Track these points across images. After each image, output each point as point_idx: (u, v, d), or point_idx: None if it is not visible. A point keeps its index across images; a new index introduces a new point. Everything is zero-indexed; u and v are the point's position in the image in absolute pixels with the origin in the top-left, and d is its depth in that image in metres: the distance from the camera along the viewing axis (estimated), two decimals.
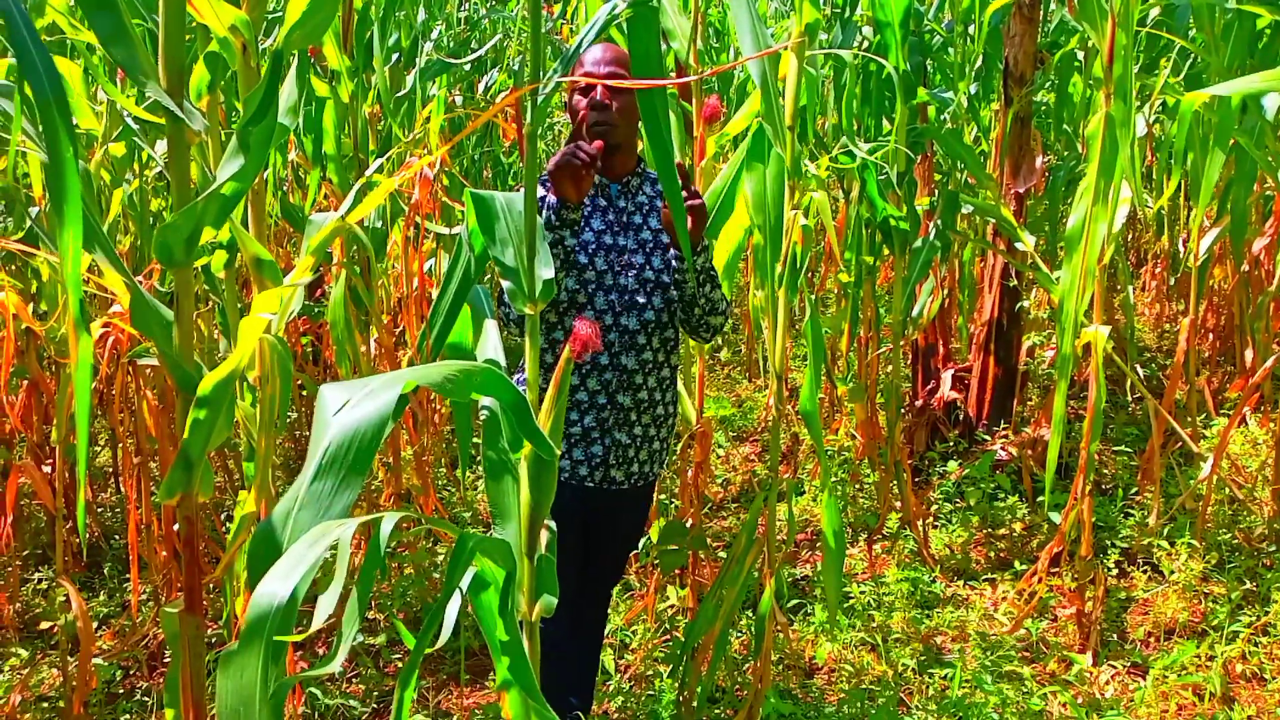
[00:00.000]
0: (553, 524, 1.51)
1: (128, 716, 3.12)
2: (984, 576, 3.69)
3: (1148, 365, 5.74)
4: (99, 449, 4.85)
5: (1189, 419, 4.35)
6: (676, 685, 2.83)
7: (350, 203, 1.91)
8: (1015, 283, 4.53)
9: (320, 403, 1.15)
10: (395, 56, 4.19)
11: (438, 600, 1.24)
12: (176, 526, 2.20)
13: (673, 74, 3.10)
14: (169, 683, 1.90)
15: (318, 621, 1.00)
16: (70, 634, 3.21)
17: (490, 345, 1.63)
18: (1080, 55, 4.80)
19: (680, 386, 2.64)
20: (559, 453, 1.49)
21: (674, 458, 3.15)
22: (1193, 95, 2.44)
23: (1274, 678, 2.85)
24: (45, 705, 3.13)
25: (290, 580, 0.98)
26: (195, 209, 1.50)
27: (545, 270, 1.49)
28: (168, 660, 3.41)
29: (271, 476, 2.06)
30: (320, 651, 3.35)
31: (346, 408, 1.13)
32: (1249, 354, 4.45)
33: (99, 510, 4.42)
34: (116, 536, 4.28)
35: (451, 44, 4.66)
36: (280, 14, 2.40)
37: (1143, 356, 5.93)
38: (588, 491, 2.36)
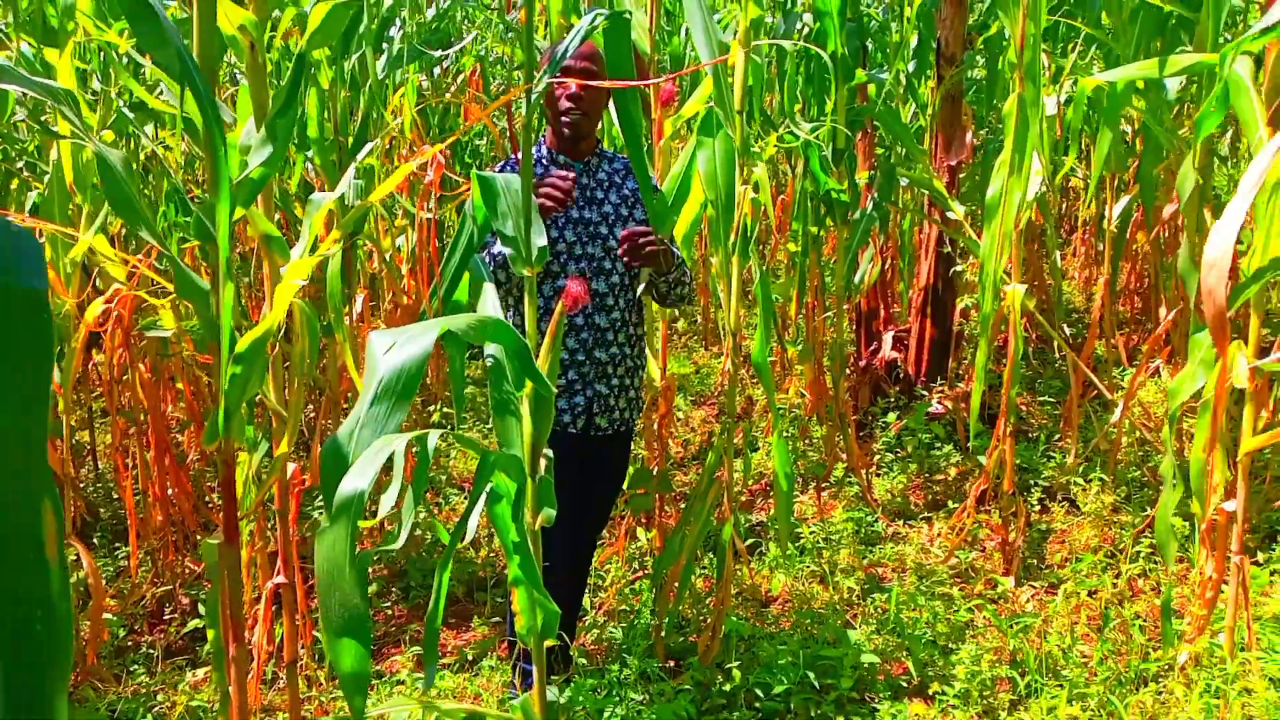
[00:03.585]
0: (549, 452, 1.82)
1: (137, 666, 3.35)
2: (921, 516, 4.07)
3: (1075, 325, 6.16)
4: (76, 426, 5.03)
5: (1109, 373, 4.76)
6: (646, 615, 3.16)
7: (345, 184, 2.18)
8: (949, 250, 4.89)
9: (370, 346, 1.43)
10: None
11: (463, 512, 1.54)
12: (188, 476, 2.42)
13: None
14: (209, 606, 2.16)
15: (383, 511, 1.30)
16: (81, 590, 3.44)
17: (489, 304, 1.91)
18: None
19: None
20: (554, 391, 1.79)
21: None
22: (1085, 80, 2.79)
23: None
24: None
25: (364, 477, 1.27)
26: (215, 186, 1.76)
27: (539, 238, 1.79)
28: (167, 619, 3.66)
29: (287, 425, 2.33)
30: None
31: (393, 349, 1.41)
32: (1163, 311, 4.87)
33: (80, 486, 4.61)
34: (101, 509, 4.50)
35: (416, 28, 4.89)
36: (279, 15, 2.64)
37: (1070, 317, 6.36)
38: (573, 438, 2.67)
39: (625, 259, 2.56)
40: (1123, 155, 3.85)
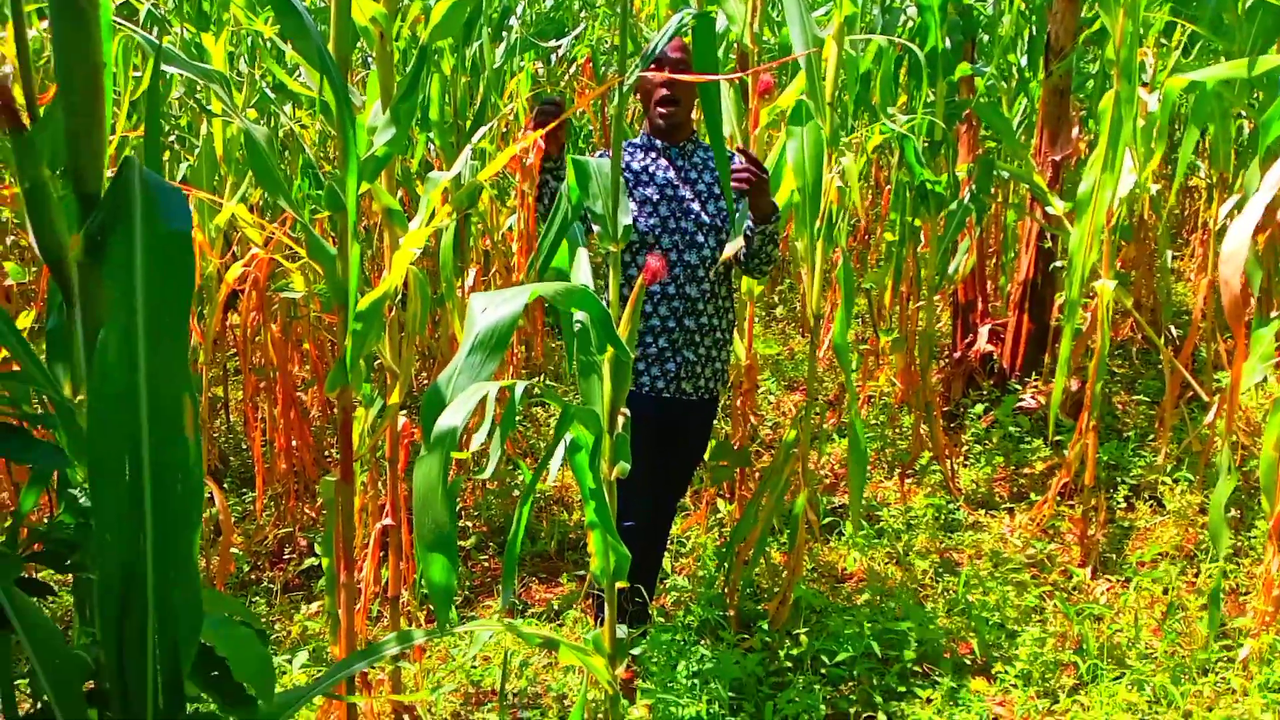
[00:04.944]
0: (627, 410, 2.01)
1: (258, 599, 3.68)
2: (1004, 507, 4.12)
3: (1183, 326, 6.03)
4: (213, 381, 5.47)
5: (1210, 375, 4.69)
6: (723, 579, 3.33)
7: (461, 163, 2.40)
8: (1050, 244, 4.89)
9: (471, 305, 1.64)
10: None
11: (547, 450, 1.75)
12: (310, 430, 2.67)
13: (733, 55, 3.53)
14: (326, 538, 2.42)
15: (474, 445, 1.50)
16: (212, 525, 3.80)
17: (583, 271, 2.11)
18: None
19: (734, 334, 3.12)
20: (634, 356, 1.98)
21: (728, 388, 3.63)
22: (1172, 80, 2.82)
23: (1244, 590, 3.26)
24: None
25: (459, 415, 1.48)
26: (345, 164, 1.99)
27: (624, 217, 1.97)
28: (288, 557, 4.01)
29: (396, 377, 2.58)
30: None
31: (489, 309, 1.62)
32: (1274, 314, 4.76)
33: (214, 436, 5.02)
34: (232, 458, 4.90)
35: (534, 17, 5.12)
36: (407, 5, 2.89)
37: (1180, 318, 6.22)
38: (663, 402, 2.88)
39: (741, 175, 2.70)
40: (1229, 153, 3.80)
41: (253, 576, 3.89)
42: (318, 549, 3.81)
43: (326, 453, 4.65)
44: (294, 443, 4.26)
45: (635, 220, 2.82)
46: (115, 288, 0.78)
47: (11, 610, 1.09)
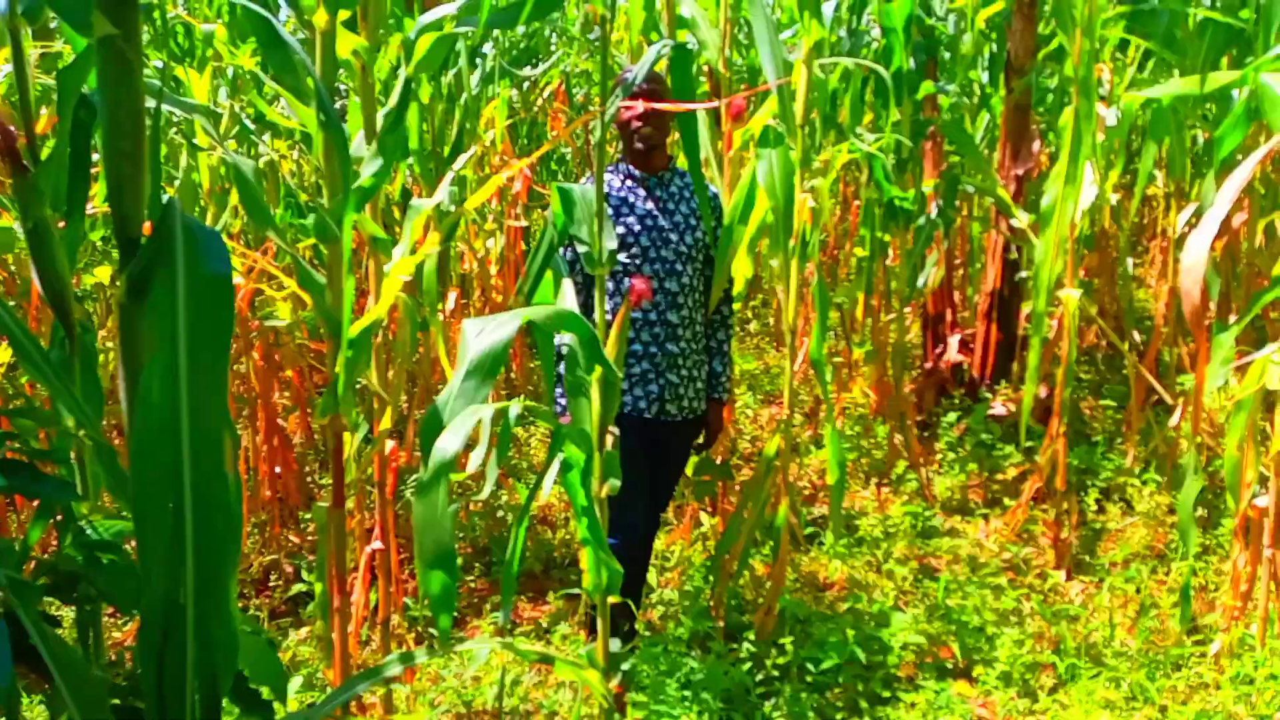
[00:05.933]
0: (615, 429, 2.06)
1: (245, 626, 3.69)
2: (979, 513, 4.21)
3: (1146, 332, 6.18)
4: None
5: (1173, 379, 4.82)
6: (708, 593, 3.39)
7: (443, 191, 2.46)
8: (1015, 256, 5.01)
9: (464, 330, 1.70)
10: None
11: (542, 469, 1.80)
12: (294, 457, 2.69)
13: (703, 77, 3.62)
14: (318, 562, 2.45)
15: (471, 467, 1.56)
16: None
17: (567, 298, 2.17)
18: None
19: None
20: (621, 377, 2.04)
21: None
22: (1131, 96, 2.93)
23: (1213, 587, 3.36)
24: None
25: (457, 439, 1.53)
26: (343, 199, 2.04)
27: (610, 242, 2.04)
28: (272, 585, 4.02)
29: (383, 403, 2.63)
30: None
31: (483, 333, 1.68)
32: (1232, 319, 4.91)
33: None
34: None
35: (507, 44, 5.20)
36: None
37: (1143, 324, 6.37)
38: (647, 423, 2.96)
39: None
40: (1185, 164, 3.93)
41: (240, 605, 3.90)
42: (305, 575, 3.82)
43: (310, 478, 4.67)
44: (277, 470, 4.28)
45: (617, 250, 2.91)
46: (159, 328, 0.83)
47: (36, 635, 1.13)
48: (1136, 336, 5.65)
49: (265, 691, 1.39)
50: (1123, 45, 4.87)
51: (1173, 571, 3.41)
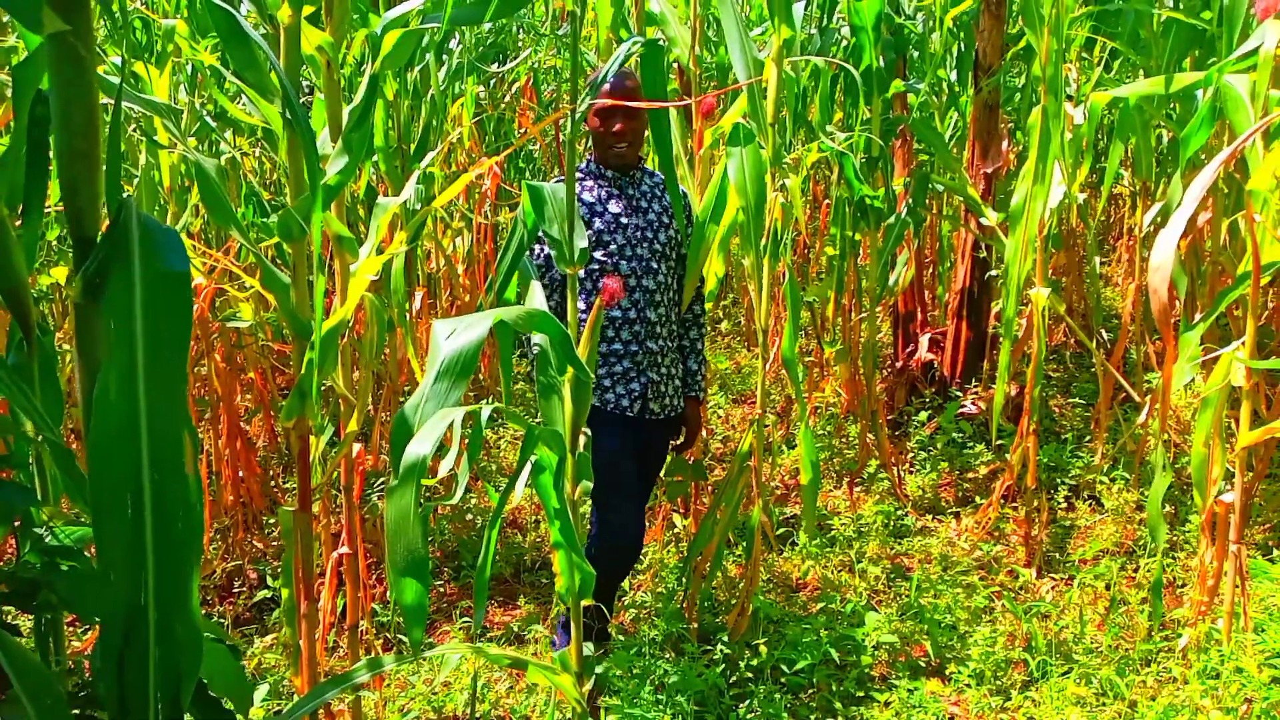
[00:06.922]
0: (588, 430, 2.04)
1: (207, 634, 3.62)
2: (950, 511, 4.23)
3: (1114, 330, 6.24)
4: None
5: (1141, 377, 4.86)
6: (681, 595, 3.37)
7: (409, 189, 2.42)
8: (985, 254, 5.03)
9: (434, 331, 1.66)
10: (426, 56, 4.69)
11: (514, 472, 1.77)
12: (257, 461, 2.63)
13: (673, 75, 3.60)
14: (284, 567, 2.40)
15: (442, 471, 1.53)
16: None
17: (536, 299, 2.14)
18: None
19: None
20: (599, 376, 2.02)
21: None
22: (1098, 96, 2.94)
23: (1181, 583, 3.39)
24: None
25: (427, 443, 1.50)
26: (310, 197, 2.00)
27: (580, 240, 2.01)
28: (236, 591, 3.95)
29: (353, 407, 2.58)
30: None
31: (453, 335, 1.64)
32: (1198, 317, 4.96)
33: None
34: None
35: (474, 40, 5.15)
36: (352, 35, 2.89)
37: (1110, 322, 6.43)
38: (630, 421, 2.95)
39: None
40: (1151, 163, 3.97)
41: (203, 612, 3.82)
42: (270, 580, 3.76)
43: (274, 483, 4.59)
44: (240, 474, 4.20)
45: (592, 249, 2.89)
46: (115, 328, 0.80)
47: None
48: (1104, 335, 5.71)
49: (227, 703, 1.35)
50: (1089, 45, 4.91)
51: (1141, 568, 3.44)
